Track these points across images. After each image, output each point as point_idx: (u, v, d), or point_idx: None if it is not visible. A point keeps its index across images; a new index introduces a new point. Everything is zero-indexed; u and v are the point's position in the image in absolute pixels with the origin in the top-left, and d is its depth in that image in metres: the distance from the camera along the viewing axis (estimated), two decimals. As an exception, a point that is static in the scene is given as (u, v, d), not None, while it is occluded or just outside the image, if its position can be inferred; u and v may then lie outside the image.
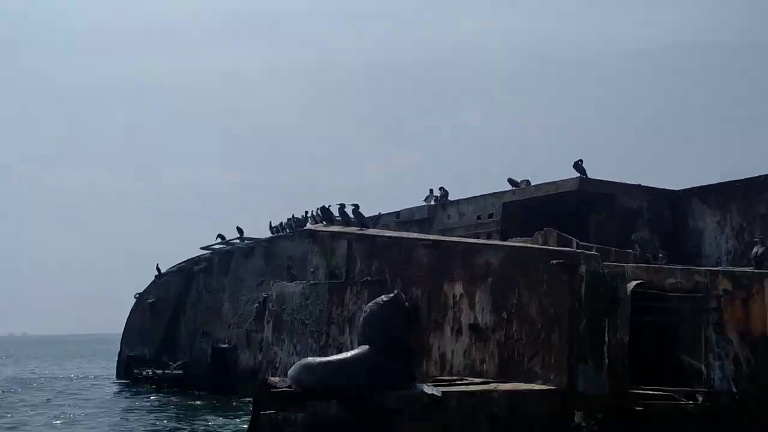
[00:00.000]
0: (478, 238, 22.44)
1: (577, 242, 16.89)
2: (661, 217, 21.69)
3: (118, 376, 38.26)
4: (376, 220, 26.88)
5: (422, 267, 15.59)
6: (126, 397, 29.97)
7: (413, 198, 25.38)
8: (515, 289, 13.37)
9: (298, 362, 12.23)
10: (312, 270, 19.33)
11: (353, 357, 11.97)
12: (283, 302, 20.22)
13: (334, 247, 18.80)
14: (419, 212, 25.47)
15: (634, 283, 12.31)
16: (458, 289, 14.61)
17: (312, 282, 19.18)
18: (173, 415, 24.08)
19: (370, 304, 12.76)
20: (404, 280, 16.00)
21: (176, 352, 34.65)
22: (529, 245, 14.51)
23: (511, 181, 23.26)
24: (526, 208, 22.89)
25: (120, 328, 40.64)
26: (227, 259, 32.51)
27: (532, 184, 22.92)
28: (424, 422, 11.45)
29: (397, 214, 26.41)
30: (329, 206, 22.30)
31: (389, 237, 16.73)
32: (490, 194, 23.38)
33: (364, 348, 12.00)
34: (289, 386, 11.94)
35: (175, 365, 33.60)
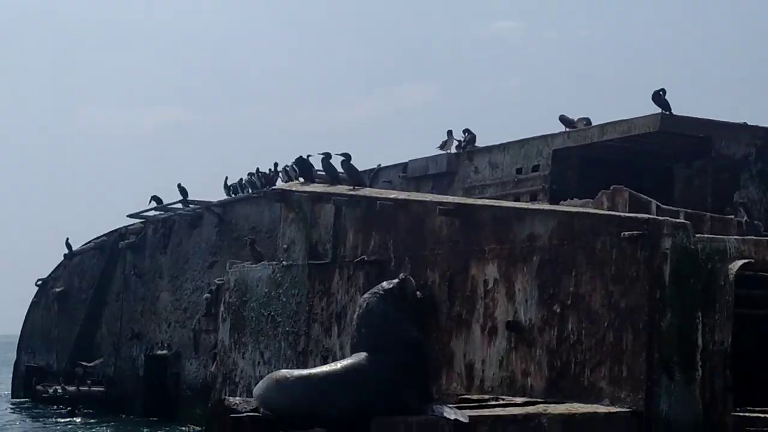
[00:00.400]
0: (518, 199, 22.51)
1: (658, 205, 16.95)
2: (777, 169, 21.74)
3: (15, 393, 38.51)
4: (375, 176, 26.93)
5: (440, 242, 15.62)
6: (22, 423, 30.09)
7: (425, 143, 25.33)
8: (571, 272, 13.39)
9: (267, 376, 12.28)
10: (285, 246, 19.39)
11: (344, 369, 12.02)
12: (245, 292, 20.26)
13: (316, 213, 18.82)
14: (435, 164, 25.48)
15: (739, 263, 12.31)
16: (491, 271, 14.65)
17: (285, 263, 19.24)
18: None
19: (366, 294, 12.78)
20: (415, 260, 16.04)
21: (95, 361, 34.83)
22: (590, 210, 14.53)
23: (564, 119, 23.23)
24: (585, 158, 22.90)
25: (16, 329, 40.85)
26: (166, 231, 32.61)
27: (594, 124, 22.91)
28: (445, 459, 11.50)
29: (404, 166, 26.43)
30: (308, 156, 22.29)
31: (394, 199, 16.75)
32: (534, 138, 23.39)
33: (360, 356, 12.04)
34: (255, 410, 12.01)
35: (93, 379, 33.81)
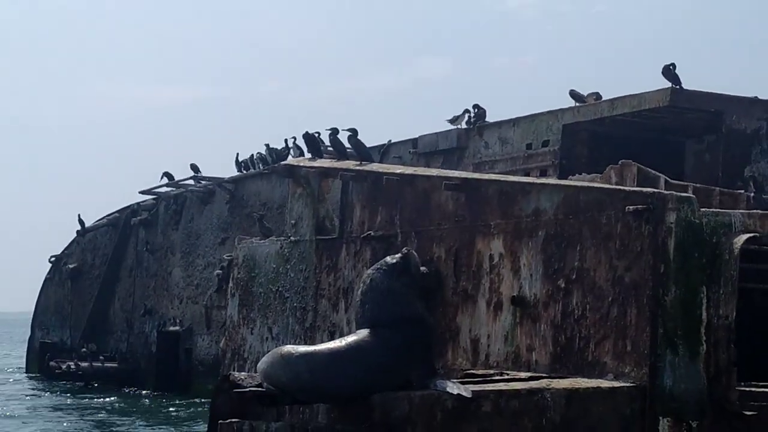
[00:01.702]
0: (528, 175, 22.48)
1: (666, 180, 16.88)
2: (789, 143, 21.70)
3: (29, 369, 38.76)
4: (385, 151, 26.94)
5: (446, 216, 15.55)
6: (29, 399, 30.25)
7: (440, 117, 25.23)
8: (576, 246, 13.28)
9: (271, 351, 12.27)
10: (293, 222, 19.34)
11: (348, 345, 12.00)
12: (254, 267, 20.25)
13: (323, 188, 18.78)
14: (445, 139, 25.48)
15: (744, 237, 12.21)
16: (497, 246, 14.54)
17: (293, 239, 19.24)
18: (95, 426, 24.32)
19: (370, 270, 12.74)
20: (421, 235, 15.99)
21: (108, 337, 35.04)
22: (596, 184, 14.46)
23: (574, 94, 23.19)
24: (595, 133, 22.87)
25: (32, 306, 41.03)
26: (177, 208, 32.73)
27: (604, 98, 22.87)
28: (448, 434, 11.51)
29: (414, 142, 26.44)
30: (318, 134, 22.27)
31: (400, 174, 16.70)
32: (544, 113, 23.35)
33: (363, 332, 12.03)
34: (259, 385, 12.04)
35: (106, 355, 34.00)
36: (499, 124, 24.47)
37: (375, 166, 17.79)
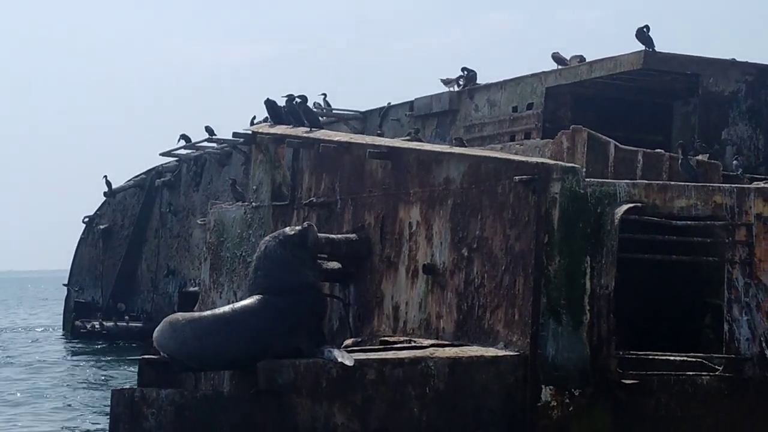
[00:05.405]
0: (514, 138, 22.58)
1: (616, 145, 16.87)
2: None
3: (65, 328, 39.68)
4: (384, 114, 27.20)
5: (376, 184, 15.74)
6: (60, 356, 31.01)
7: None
8: (478, 216, 13.43)
9: (164, 319, 12.65)
10: (254, 187, 19.60)
11: (234, 312, 12.33)
12: (222, 232, 20.56)
13: (279, 155, 19.02)
14: (438, 102, 25.61)
15: (625, 207, 12.27)
16: (415, 215, 14.73)
17: (254, 204, 19.49)
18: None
19: (267, 237, 13.08)
20: (356, 201, 16.17)
21: (135, 297, 35.77)
22: (495, 154, 14.51)
23: (556, 57, 23.17)
24: (577, 95, 22.85)
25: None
26: (198, 169, 33.27)
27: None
28: (332, 403, 11.78)
29: (411, 105, 26.59)
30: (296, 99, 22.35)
31: (338, 142, 16.85)
32: (529, 76, 23.40)
33: (253, 299, 12.35)
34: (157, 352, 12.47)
35: (132, 315, 34.72)
36: (488, 87, 24.55)
37: (320, 134, 17.93)
